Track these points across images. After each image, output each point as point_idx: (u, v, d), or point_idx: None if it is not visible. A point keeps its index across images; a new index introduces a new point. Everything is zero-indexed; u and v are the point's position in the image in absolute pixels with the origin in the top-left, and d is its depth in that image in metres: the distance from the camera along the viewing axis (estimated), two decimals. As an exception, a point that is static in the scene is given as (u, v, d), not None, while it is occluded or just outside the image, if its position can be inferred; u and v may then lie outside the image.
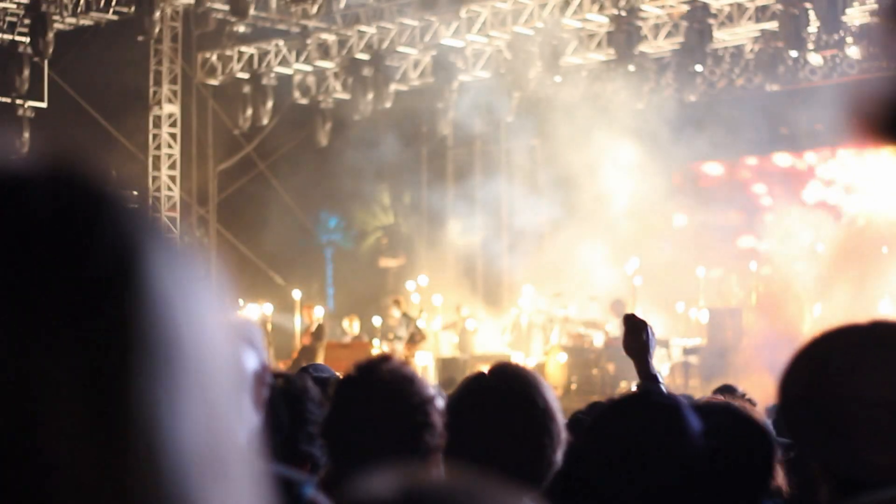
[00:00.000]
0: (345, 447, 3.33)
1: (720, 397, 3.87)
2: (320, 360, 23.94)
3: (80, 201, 0.91)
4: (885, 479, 2.19)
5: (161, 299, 0.90)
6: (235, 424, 0.92)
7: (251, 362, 0.96)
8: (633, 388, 4.64)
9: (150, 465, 0.87)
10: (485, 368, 3.40)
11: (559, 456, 3.20)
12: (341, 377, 3.51)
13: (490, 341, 26.44)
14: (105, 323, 0.88)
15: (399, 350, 23.75)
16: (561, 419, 3.24)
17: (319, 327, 24.92)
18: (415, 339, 24.09)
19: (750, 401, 9.84)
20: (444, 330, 25.87)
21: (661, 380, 4.22)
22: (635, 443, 2.57)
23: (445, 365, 24.40)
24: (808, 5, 21.79)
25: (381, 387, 3.31)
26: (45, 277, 0.87)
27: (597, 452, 2.60)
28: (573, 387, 23.44)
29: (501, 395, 3.23)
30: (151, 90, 28.02)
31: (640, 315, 4.48)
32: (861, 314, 2.50)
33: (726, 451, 2.66)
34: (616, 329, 23.74)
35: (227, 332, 0.96)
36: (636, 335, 4.23)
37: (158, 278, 0.90)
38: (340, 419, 3.36)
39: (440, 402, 3.35)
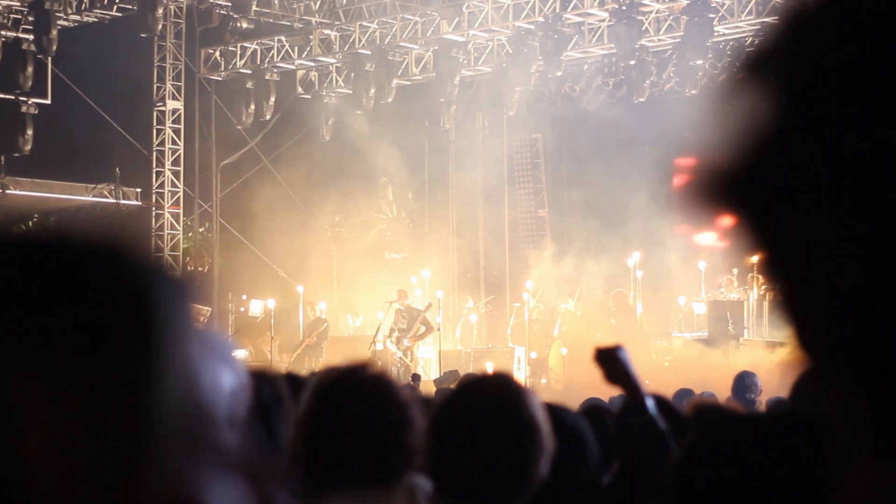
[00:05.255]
0: (322, 454, 3.29)
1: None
2: (323, 356, 24.18)
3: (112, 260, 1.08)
4: None
5: (164, 339, 1.06)
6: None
7: (228, 381, 1.12)
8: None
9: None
10: (472, 376, 3.33)
11: (544, 468, 3.21)
12: (316, 381, 3.38)
13: (492, 335, 26.54)
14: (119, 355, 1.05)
15: (405, 342, 23.89)
16: (547, 430, 3.23)
17: (325, 329, 25.24)
18: (421, 331, 24.20)
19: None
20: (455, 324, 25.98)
21: (650, 406, 3.91)
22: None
23: (447, 358, 24.51)
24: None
25: (364, 392, 3.30)
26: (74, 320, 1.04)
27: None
28: (575, 379, 23.52)
29: (485, 408, 3.24)
30: (155, 86, 28.11)
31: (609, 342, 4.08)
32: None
33: None
34: (619, 322, 23.85)
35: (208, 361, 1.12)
36: (612, 365, 3.92)
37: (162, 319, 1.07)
38: (320, 426, 3.30)
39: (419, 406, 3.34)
